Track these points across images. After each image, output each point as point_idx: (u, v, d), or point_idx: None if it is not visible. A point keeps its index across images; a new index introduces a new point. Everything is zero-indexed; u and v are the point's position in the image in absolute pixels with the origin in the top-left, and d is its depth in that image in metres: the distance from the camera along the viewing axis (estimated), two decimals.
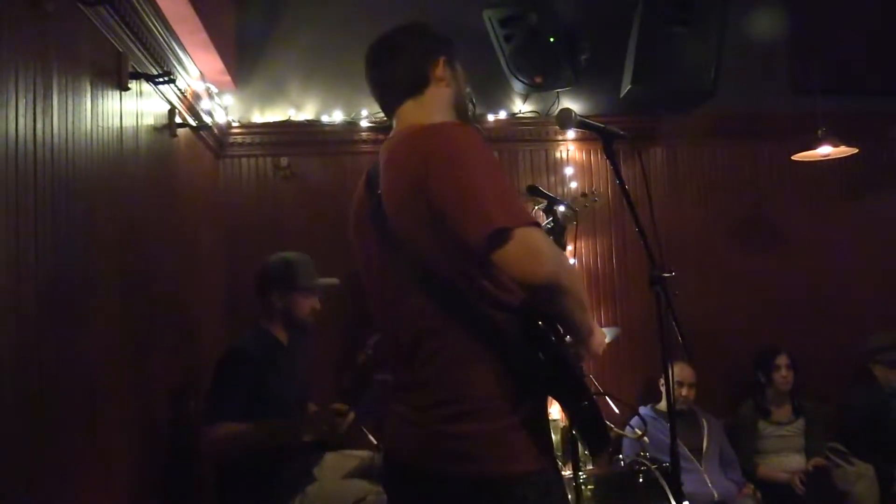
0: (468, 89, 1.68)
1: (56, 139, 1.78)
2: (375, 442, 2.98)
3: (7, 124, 1.55)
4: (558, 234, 2.56)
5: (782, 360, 3.74)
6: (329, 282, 2.86)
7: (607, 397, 2.76)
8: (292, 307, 2.73)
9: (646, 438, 3.00)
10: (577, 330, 1.44)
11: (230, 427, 2.44)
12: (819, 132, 3.60)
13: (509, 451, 1.40)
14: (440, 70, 1.60)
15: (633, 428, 3.63)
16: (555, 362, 1.41)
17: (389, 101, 1.64)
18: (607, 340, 3.03)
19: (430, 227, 1.37)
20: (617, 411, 2.91)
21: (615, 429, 2.95)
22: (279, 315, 2.74)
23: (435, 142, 1.42)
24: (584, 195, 2.65)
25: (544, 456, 1.45)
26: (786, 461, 3.70)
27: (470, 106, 1.69)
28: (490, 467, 1.39)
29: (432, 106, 1.59)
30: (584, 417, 1.45)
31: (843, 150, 3.66)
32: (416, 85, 1.60)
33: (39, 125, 1.69)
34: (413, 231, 1.42)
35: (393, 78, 1.62)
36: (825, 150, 3.64)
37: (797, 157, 3.77)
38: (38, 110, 1.69)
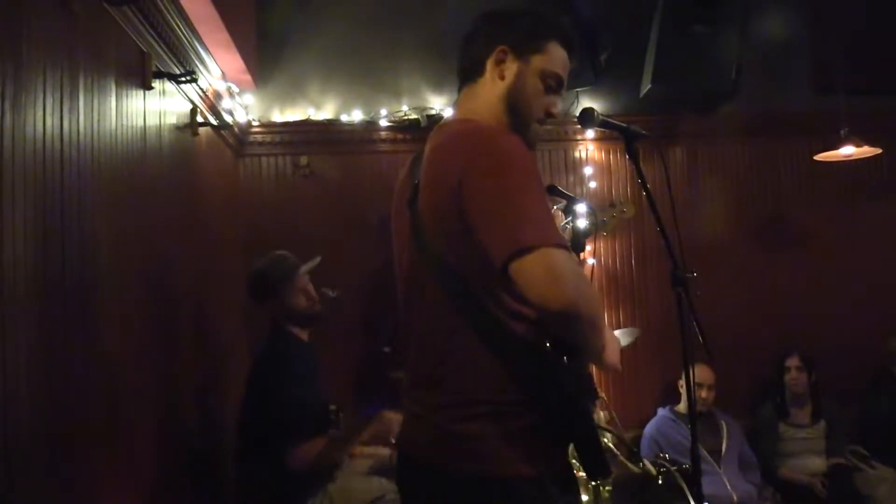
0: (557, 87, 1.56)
1: (82, 137, 1.80)
2: (392, 440, 2.99)
3: (35, 123, 1.57)
4: (578, 236, 2.54)
5: (792, 361, 3.72)
6: (311, 264, 2.81)
7: (606, 432, 2.72)
8: (291, 305, 2.72)
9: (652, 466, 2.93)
10: (590, 351, 1.43)
11: (318, 445, 2.50)
12: (842, 132, 3.55)
13: (519, 453, 1.39)
14: (491, 61, 1.53)
15: (648, 435, 3.62)
16: (555, 386, 1.40)
17: (458, 86, 1.62)
18: (626, 343, 2.99)
19: (458, 233, 1.36)
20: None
21: (622, 458, 2.92)
22: (286, 315, 2.73)
23: (479, 148, 1.39)
24: (612, 205, 2.57)
25: (555, 458, 1.45)
26: (806, 464, 3.66)
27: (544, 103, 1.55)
28: (499, 468, 1.39)
29: (480, 97, 1.55)
30: (582, 444, 1.43)
31: (867, 151, 3.61)
32: (471, 73, 1.57)
33: (66, 124, 1.71)
34: (440, 231, 1.41)
35: (460, 63, 1.61)
36: (848, 151, 3.59)
37: (820, 157, 3.73)
38: (66, 109, 1.71)
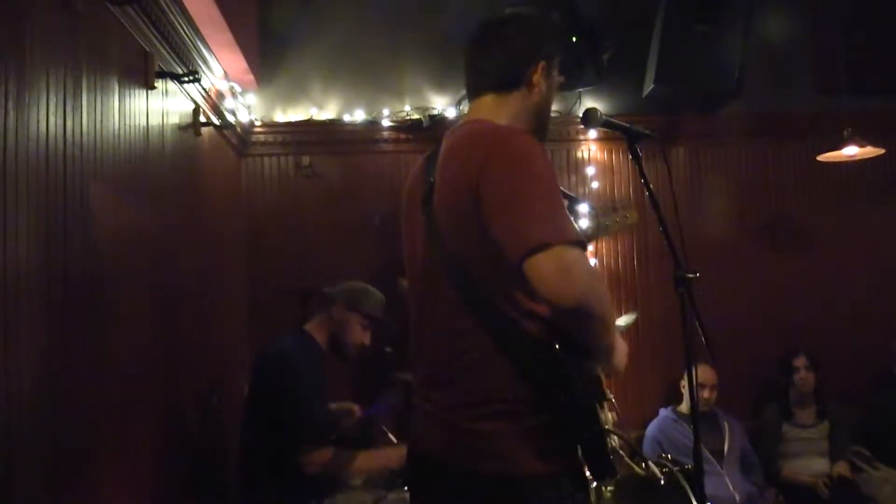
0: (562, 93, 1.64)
1: (85, 137, 1.80)
2: (396, 441, 2.99)
3: (38, 123, 1.58)
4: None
5: (800, 361, 3.71)
6: (389, 325, 2.83)
7: (612, 434, 2.72)
8: (346, 326, 2.72)
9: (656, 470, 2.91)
10: (598, 350, 1.44)
11: (326, 456, 2.47)
12: (845, 132, 3.54)
13: (534, 451, 1.40)
14: (536, 76, 1.54)
15: (650, 436, 3.61)
16: (563, 387, 1.40)
17: (473, 86, 1.59)
18: (624, 325, 2.99)
19: (473, 231, 1.37)
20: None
21: (626, 458, 2.91)
22: (328, 328, 2.73)
23: (497, 146, 1.40)
24: (614, 209, 2.53)
25: (569, 457, 1.45)
26: (810, 464, 3.65)
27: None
28: (514, 466, 1.39)
29: (512, 109, 1.55)
30: (588, 446, 1.44)
31: (870, 151, 3.60)
32: (505, 82, 1.55)
33: (69, 123, 1.71)
34: (456, 229, 1.42)
35: (485, 65, 1.57)
36: (851, 151, 3.58)
37: (823, 157, 3.72)
38: (68, 109, 1.71)
